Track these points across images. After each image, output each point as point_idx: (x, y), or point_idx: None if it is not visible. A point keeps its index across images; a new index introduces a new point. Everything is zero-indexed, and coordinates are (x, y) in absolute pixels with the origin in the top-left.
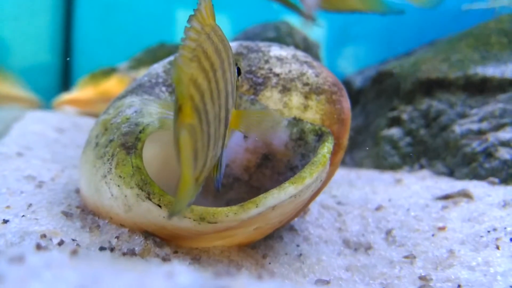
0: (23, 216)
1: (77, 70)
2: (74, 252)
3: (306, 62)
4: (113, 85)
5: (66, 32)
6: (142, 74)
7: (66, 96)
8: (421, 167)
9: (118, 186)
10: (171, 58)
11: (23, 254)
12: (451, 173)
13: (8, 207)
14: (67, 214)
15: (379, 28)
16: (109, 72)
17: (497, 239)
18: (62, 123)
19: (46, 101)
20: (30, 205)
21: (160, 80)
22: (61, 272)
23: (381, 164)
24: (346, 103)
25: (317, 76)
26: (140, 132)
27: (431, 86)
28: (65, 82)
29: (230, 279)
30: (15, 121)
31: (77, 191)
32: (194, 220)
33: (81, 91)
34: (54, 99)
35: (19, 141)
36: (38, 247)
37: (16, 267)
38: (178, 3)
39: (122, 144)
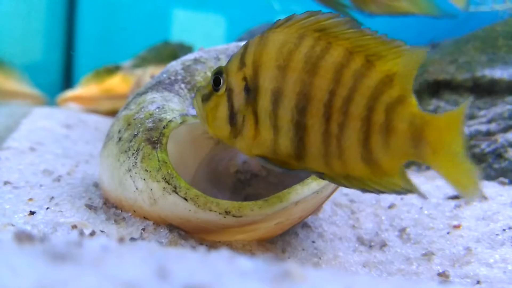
0: (47, 208)
1: (78, 68)
2: (121, 240)
3: None
4: (117, 82)
5: (68, 30)
6: (146, 72)
7: (70, 93)
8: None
9: (144, 179)
10: (188, 56)
11: (79, 240)
12: None
13: (31, 199)
14: (90, 207)
15: (378, 30)
16: (113, 69)
17: None
18: (69, 120)
19: (48, 98)
20: (52, 198)
21: (179, 77)
22: (124, 255)
23: None
24: None
25: None
26: (164, 127)
27: (439, 87)
28: (67, 79)
29: (290, 265)
30: (24, 117)
31: (95, 185)
32: (219, 213)
33: (85, 88)
34: (57, 96)
35: (29, 137)
36: (82, 235)
37: (79, 250)
38: (178, 2)
39: (147, 139)
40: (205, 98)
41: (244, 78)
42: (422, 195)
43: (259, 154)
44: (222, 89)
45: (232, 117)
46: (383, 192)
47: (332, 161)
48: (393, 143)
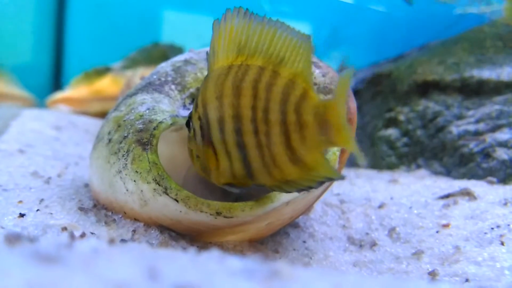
0: (37, 210)
1: (68, 69)
2: (112, 241)
3: (313, 62)
4: (107, 84)
5: (58, 31)
6: (136, 73)
7: (59, 94)
8: (418, 167)
9: (134, 181)
10: (178, 57)
11: (70, 242)
12: (448, 173)
13: (20, 202)
14: (80, 209)
15: (368, 32)
16: (103, 71)
17: (501, 235)
18: (59, 121)
19: (37, 100)
20: (42, 200)
21: (169, 78)
22: (114, 256)
23: (378, 164)
24: (353, 103)
25: (324, 76)
26: (154, 129)
27: (428, 88)
28: (56, 81)
29: (279, 264)
30: (13, 119)
31: (86, 187)
32: (210, 214)
33: (74, 90)
34: (47, 97)
35: (19, 139)
36: (72, 236)
37: (68, 252)
38: (168, 4)
39: (138, 140)
40: (188, 140)
41: (199, 118)
42: (342, 178)
43: (224, 182)
44: (191, 131)
45: (198, 154)
46: (312, 187)
47: (272, 170)
48: (307, 136)
